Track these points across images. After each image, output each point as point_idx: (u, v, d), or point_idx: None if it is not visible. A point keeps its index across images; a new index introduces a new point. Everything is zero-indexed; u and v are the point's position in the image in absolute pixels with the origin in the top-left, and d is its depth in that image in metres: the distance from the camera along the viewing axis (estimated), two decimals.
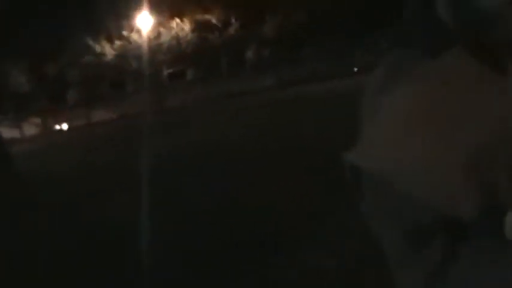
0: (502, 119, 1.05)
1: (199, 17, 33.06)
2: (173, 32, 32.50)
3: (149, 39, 30.06)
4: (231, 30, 33.56)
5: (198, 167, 11.26)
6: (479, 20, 1.05)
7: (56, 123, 32.35)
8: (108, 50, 31.97)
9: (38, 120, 32.30)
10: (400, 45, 1.20)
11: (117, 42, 31.83)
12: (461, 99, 1.07)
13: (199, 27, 33.13)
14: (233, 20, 33.32)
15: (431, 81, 1.10)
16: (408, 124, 1.08)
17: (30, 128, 31.62)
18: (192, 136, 16.92)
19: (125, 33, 31.38)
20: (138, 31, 30.62)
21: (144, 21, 30.07)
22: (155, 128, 18.14)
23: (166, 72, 34.84)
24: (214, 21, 33.38)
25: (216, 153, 12.87)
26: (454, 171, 1.05)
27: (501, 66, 1.07)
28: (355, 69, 30.96)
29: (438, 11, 1.12)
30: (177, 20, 32.38)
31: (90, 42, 31.25)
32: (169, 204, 8.17)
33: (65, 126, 31.54)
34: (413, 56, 1.13)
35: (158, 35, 31.67)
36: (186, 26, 32.76)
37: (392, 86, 1.11)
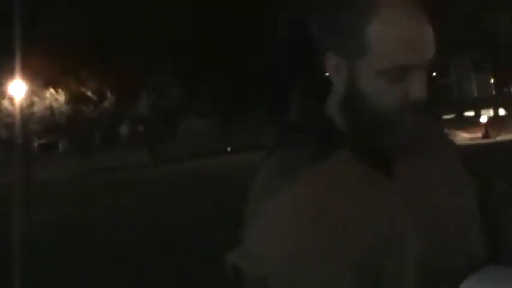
0: (389, 221, 1.07)
1: (74, 88, 32.40)
2: (47, 102, 31.50)
3: (21, 108, 28.92)
4: (106, 104, 33.06)
5: (67, 241, 10.98)
6: (369, 126, 1.07)
7: None
8: None
9: None
10: (286, 144, 1.14)
11: None
12: (349, 203, 1.06)
13: (74, 99, 32.38)
14: (108, 94, 32.91)
15: (318, 183, 1.06)
16: (294, 228, 1.04)
17: None
18: (61, 209, 16.43)
19: None
20: (10, 99, 29.39)
21: (17, 89, 28.86)
22: (24, 199, 17.41)
23: (37, 142, 33.53)
24: (89, 93, 32.86)
25: (85, 227, 12.55)
26: (341, 276, 1.03)
27: (387, 170, 1.10)
28: (228, 148, 31.60)
29: (327, 113, 1.14)
30: (51, 90, 31.51)
31: None
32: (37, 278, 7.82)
33: None
34: (301, 156, 1.08)
35: (31, 103, 30.54)
36: (61, 96, 31.87)
37: (279, 187, 1.06)
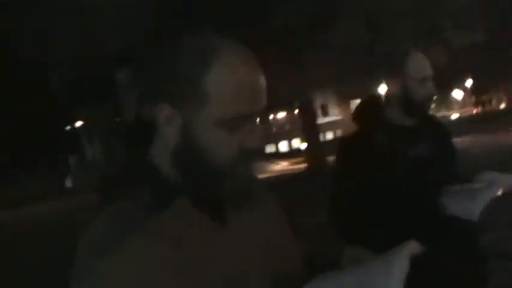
0: (230, 267, 1.09)
1: None
2: None
3: None
4: None
5: None
6: (204, 176, 1.07)
7: None
8: None
9: None
10: (117, 197, 1.09)
11: None
12: (188, 252, 1.04)
13: None
14: None
15: (159, 238, 1.03)
16: (133, 285, 0.99)
17: None
18: None
19: None
20: None
21: None
22: None
23: None
24: None
25: None
26: None
27: (223, 218, 1.12)
28: None
29: (156, 163, 1.11)
30: None
31: None
32: None
33: None
34: (134, 211, 1.05)
35: None
36: None
37: (114, 243, 1.00)
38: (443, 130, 2.56)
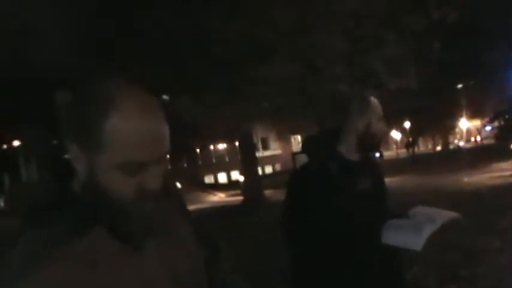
0: None
1: None
2: None
3: None
4: None
5: None
6: (109, 212, 1.15)
7: None
8: None
9: None
10: (40, 223, 1.15)
11: None
12: (104, 277, 1.13)
13: None
14: None
15: (74, 260, 1.10)
16: None
17: None
18: None
19: None
20: None
21: None
22: None
23: None
24: None
25: None
26: None
27: (137, 244, 1.20)
28: None
29: (77, 192, 1.19)
30: None
31: None
32: None
33: None
34: (54, 235, 1.11)
35: None
36: None
37: (36, 267, 1.07)
38: (378, 167, 2.82)
